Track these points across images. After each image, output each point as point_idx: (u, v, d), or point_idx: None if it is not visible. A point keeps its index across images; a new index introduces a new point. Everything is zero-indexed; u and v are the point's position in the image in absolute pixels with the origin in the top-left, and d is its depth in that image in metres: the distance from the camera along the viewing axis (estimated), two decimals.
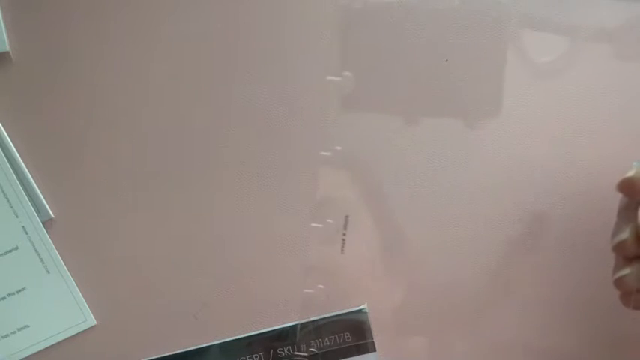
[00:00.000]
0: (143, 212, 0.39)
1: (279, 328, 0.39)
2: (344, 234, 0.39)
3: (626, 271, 0.31)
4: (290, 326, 0.39)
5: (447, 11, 0.39)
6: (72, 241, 0.38)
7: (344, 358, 0.39)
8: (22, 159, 0.38)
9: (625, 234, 0.31)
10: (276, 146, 0.39)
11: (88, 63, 0.38)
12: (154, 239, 0.39)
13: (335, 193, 0.39)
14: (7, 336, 0.38)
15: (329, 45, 0.39)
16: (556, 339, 0.40)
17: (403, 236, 0.40)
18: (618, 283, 0.32)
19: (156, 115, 0.39)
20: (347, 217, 0.38)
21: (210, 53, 0.39)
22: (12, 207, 0.37)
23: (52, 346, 0.38)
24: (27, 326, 0.38)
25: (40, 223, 0.38)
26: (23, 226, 0.38)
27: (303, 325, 0.39)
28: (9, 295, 0.38)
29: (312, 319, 0.39)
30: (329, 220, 0.38)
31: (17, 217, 0.38)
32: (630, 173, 0.31)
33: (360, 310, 0.40)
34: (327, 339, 0.40)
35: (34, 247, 0.38)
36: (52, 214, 0.38)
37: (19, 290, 0.38)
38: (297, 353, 0.39)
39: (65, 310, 0.38)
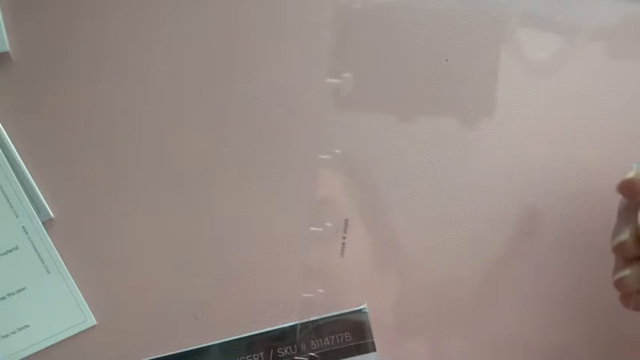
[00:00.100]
0: (143, 212, 0.39)
1: (279, 328, 0.39)
2: (344, 237, 0.39)
3: (627, 272, 0.31)
4: (290, 326, 0.39)
5: (447, 11, 0.39)
6: (72, 241, 0.38)
7: (344, 358, 0.39)
8: (22, 159, 0.38)
9: (625, 235, 0.31)
10: (276, 147, 0.39)
11: (88, 63, 0.38)
12: (153, 239, 0.39)
13: (334, 196, 0.39)
14: (7, 336, 0.38)
15: (329, 46, 0.39)
16: (555, 339, 0.40)
17: (403, 236, 0.40)
18: (618, 284, 0.32)
19: (156, 115, 0.39)
20: (347, 220, 0.38)
21: (210, 53, 0.39)
22: (12, 207, 0.37)
23: (52, 346, 0.39)
24: (27, 326, 0.38)
25: (40, 223, 0.38)
26: (23, 226, 0.38)
27: (303, 325, 0.39)
28: (9, 295, 0.38)
29: (312, 319, 0.39)
30: (328, 224, 0.38)
31: (17, 217, 0.38)
32: (630, 174, 0.31)
33: (360, 310, 0.40)
34: (327, 339, 0.40)
35: (34, 247, 0.38)
36: (52, 214, 0.38)
37: (19, 290, 0.38)
38: (299, 352, 0.39)
39: (65, 310, 0.38)
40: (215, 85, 0.39)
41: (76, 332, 0.39)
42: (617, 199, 0.33)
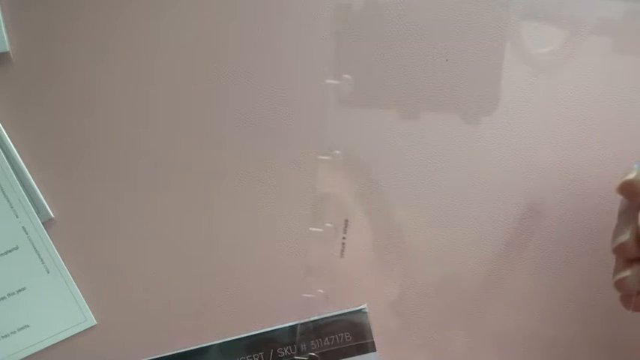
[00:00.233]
0: (143, 212, 0.39)
1: (279, 328, 0.39)
2: (344, 238, 0.38)
3: (627, 273, 0.31)
4: (290, 326, 0.39)
5: (449, 8, 0.38)
6: (72, 241, 0.39)
7: (344, 358, 0.39)
8: (22, 159, 0.38)
9: (625, 236, 0.31)
10: (276, 148, 0.39)
11: (88, 63, 0.38)
12: (153, 239, 0.39)
13: (334, 196, 0.39)
14: (7, 336, 0.38)
15: (329, 47, 0.38)
16: (556, 339, 0.40)
17: (403, 236, 0.40)
18: (619, 285, 0.32)
19: (156, 115, 0.39)
20: (347, 220, 0.38)
21: (210, 53, 0.39)
22: (12, 207, 0.38)
23: (52, 346, 0.39)
24: (27, 326, 0.38)
25: (40, 223, 0.38)
26: (23, 226, 0.38)
27: (303, 325, 0.39)
28: (9, 295, 0.38)
29: (312, 319, 0.39)
30: (328, 224, 0.38)
31: (17, 217, 0.38)
32: (631, 175, 0.31)
33: (360, 310, 0.39)
34: (327, 339, 0.40)
35: (34, 247, 0.38)
36: (52, 214, 0.38)
37: (19, 290, 0.38)
38: (299, 352, 0.39)
39: (65, 310, 0.38)
40: (215, 86, 0.39)
41: (76, 332, 0.39)
42: (617, 201, 0.33)
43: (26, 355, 0.38)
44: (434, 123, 0.39)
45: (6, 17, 0.37)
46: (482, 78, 0.39)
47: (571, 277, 0.40)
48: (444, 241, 0.40)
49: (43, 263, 0.38)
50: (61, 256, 0.38)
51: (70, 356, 0.39)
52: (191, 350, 0.39)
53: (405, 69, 0.39)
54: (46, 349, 0.39)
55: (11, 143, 0.38)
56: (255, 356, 0.39)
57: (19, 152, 0.38)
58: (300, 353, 0.39)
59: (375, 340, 0.40)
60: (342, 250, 0.39)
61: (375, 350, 0.39)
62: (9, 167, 0.37)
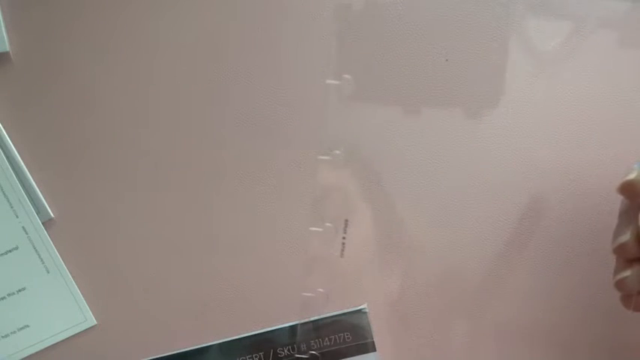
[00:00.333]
0: (143, 212, 0.39)
1: (279, 328, 0.39)
2: (344, 238, 0.38)
3: (627, 273, 0.31)
4: (290, 326, 0.39)
5: (451, 5, 0.38)
6: (72, 241, 0.39)
7: (344, 358, 0.39)
8: (22, 159, 0.38)
9: (626, 236, 0.31)
10: (276, 147, 0.39)
11: (88, 63, 0.38)
12: (153, 239, 0.39)
13: (334, 196, 0.39)
14: (7, 336, 0.38)
15: (329, 47, 0.38)
16: (555, 338, 0.40)
17: (403, 236, 0.40)
18: (619, 285, 0.32)
19: (156, 115, 0.39)
20: (347, 220, 0.38)
21: (210, 54, 0.39)
22: (12, 207, 0.38)
23: (52, 346, 0.39)
24: (27, 326, 0.38)
25: (40, 223, 0.38)
26: (23, 226, 0.38)
27: (303, 325, 0.39)
28: (9, 295, 0.38)
29: (312, 319, 0.39)
30: (328, 224, 0.38)
31: (17, 217, 0.38)
32: (631, 175, 0.31)
33: (360, 310, 0.39)
34: (327, 339, 0.39)
35: (34, 247, 0.38)
36: (52, 214, 0.38)
37: (19, 290, 0.38)
38: (299, 352, 0.39)
39: (65, 310, 0.38)
40: (215, 86, 0.39)
41: (76, 332, 0.39)
42: (618, 201, 0.33)
43: (26, 355, 0.38)
44: (434, 123, 0.39)
45: (6, 17, 0.37)
46: (482, 78, 0.39)
47: (571, 277, 0.40)
48: (444, 241, 0.40)
49: (43, 263, 0.38)
50: (61, 256, 0.38)
51: (70, 356, 0.39)
52: (191, 350, 0.39)
53: (405, 69, 0.39)
54: (46, 349, 0.39)
55: (11, 143, 0.38)
56: (255, 356, 0.39)
57: (19, 152, 0.38)
58: (300, 353, 0.39)
59: (375, 340, 0.39)
60: (342, 250, 0.39)
61: (375, 350, 0.39)
62: (9, 167, 0.37)
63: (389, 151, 0.39)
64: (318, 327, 0.39)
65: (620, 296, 0.33)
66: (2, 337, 0.38)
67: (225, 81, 0.39)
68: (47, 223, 0.38)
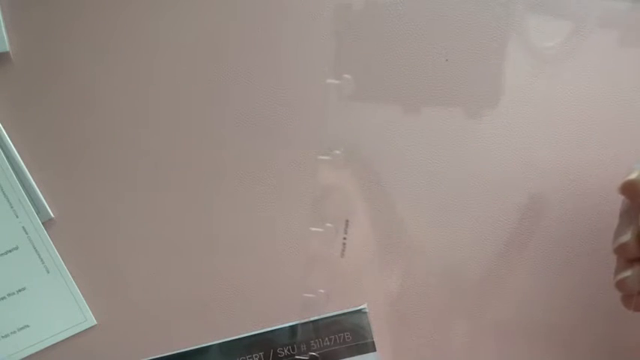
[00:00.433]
0: (143, 212, 0.39)
1: (279, 328, 0.39)
2: (344, 238, 0.38)
3: (628, 273, 0.31)
4: (290, 326, 0.39)
5: (451, 4, 0.38)
6: (72, 241, 0.39)
7: (344, 358, 0.39)
8: (22, 159, 0.38)
9: (627, 236, 0.31)
10: (276, 147, 0.39)
11: (88, 63, 0.38)
12: (153, 239, 0.39)
13: (335, 196, 0.39)
14: (7, 336, 0.38)
15: (329, 47, 0.38)
16: (556, 338, 0.40)
17: (402, 236, 0.40)
18: (620, 285, 0.32)
19: (156, 115, 0.39)
20: (347, 221, 0.38)
21: (210, 53, 0.39)
22: (12, 207, 0.38)
23: (52, 346, 0.39)
24: (27, 326, 0.38)
25: (40, 223, 0.38)
26: (23, 226, 0.38)
27: (304, 325, 0.39)
28: (9, 295, 0.38)
29: (312, 319, 0.39)
30: (329, 224, 0.38)
31: (17, 217, 0.38)
32: (633, 175, 0.31)
33: (360, 310, 0.39)
34: (327, 339, 0.39)
35: (34, 247, 0.38)
36: (52, 214, 0.38)
37: (19, 290, 0.38)
38: (299, 352, 0.39)
39: (65, 310, 0.38)
40: (215, 86, 0.39)
41: (76, 332, 0.39)
42: (619, 201, 0.33)
43: (26, 355, 0.38)
44: (434, 123, 0.39)
45: (6, 17, 0.37)
46: (482, 78, 0.39)
47: (571, 277, 0.40)
48: (444, 241, 0.40)
49: (43, 263, 0.38)
50: (61, 256, 0.38)
51: (70, 356, 0.39)
52: (191, 350, 0.39)
53: (405, 69, 0.39)
54: (46, 349, 0.39)
55: (11, 143, 0.38)
56: (255, 356, 0.39)
57: (19, 152, 0.38)
58: (300, 353, 0.39)
59: (375, 340, 0.39)
60: (343, 251, 0.39)
61: (375, 350, 0.39)
62: (9, 167, 0.37)
63: (389, 151, 0.39)
64: (318, 327, 0.39)
65: (621, 296, 0.32)
66: (2, 337, 0.38)
67: (225, 81, 0.39)
68: (47, 223, 0.38)
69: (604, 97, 0.39)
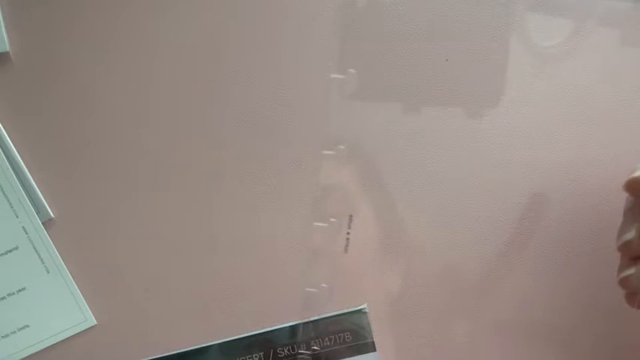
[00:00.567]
0: (143, 212, 0.39)
1: (279, 328, 0.39)
2: (348, 233, 0.39)
3: (632, 271, 0.31)
4: (290, 326, 0.39)
5: (448, 9, 0.38)
6: (72, 241, 0.38)
7: (344, 358, 0.39)
8: (22, 159, 0.38)
9: (631, 234, 0.31)
10: (279, 143, 0.39)
11: (88, 63, 0.38)
12: (153, 239, 0.39)
13: (338, 192, 0.39)
14: (7, 336, 0.38)
15: (334, 42, 0.39)
16: (556, 338, 0.40)
17: (402, 236, 0.40)
18: (623, 282, 0.32)
19: (156, 115, 0.39)
20: (351, 216, 0.38)
21: (212, 50, 0.39)
22: (12, 207, 0.37)
23: (52, 346, 0.39)
24: (27, 326, 0.38)
25: (40, 223, 0.38)
26: (23, 226, 0.38)
27: (304, 325, 0.39)
28: (9, 295, 0.38)
29: (312, 319, 0.39)
30: (332, 219, 0.38)
31: (17, 217, 0.38)
32: (637, 173, 0.31)
33: (360, 310, 0.39)
34: (327, 339, 0.39)
35: (34, 247, 0.38)
36: (52, 214, 0.38)
37: (19, 290, 0.38)
38: (299, 352, 0.39)
39: (65, 310, 0.38)
40: (215, 86, 0.39)
41: (76, 332, 0.39)
42: (622, 199, 0.33)
43: (26, 355, 0.38)
44: (434, 123, 0.39)
45: (6, 17, 0.37)
46: (482, 78, 0.39)
47: (571, 277, 0.40)
48: (444, 241, 0.40)
49: (43, 263, 0.38)
50: (61, 256, 0.38)
51: (70, 356, 0.39)
52: (191, 350, 0.39)
53: (405, 69, 0.39)
54: (46, 349, 0.38)
55: (11, 143, 0.38)
56: (255, 356, 0.39)
57: (19, 152, 0.38)
58: (300, 353, 0.39)
59: (375, 340, 0.39)
60: (347, 246, 0.39)
61: (375, 350, 0.39)
62: (9, 167, 0.37)
63: (389, 151, 0.39)
64: (318, 327, 0.39)
65: (625, 294, 0.33)
66: (2, 337, 0.38)
67: (225, 81, 0.39)
68: (47, 223, 0.38)
69: (604, 97, 0.39)
